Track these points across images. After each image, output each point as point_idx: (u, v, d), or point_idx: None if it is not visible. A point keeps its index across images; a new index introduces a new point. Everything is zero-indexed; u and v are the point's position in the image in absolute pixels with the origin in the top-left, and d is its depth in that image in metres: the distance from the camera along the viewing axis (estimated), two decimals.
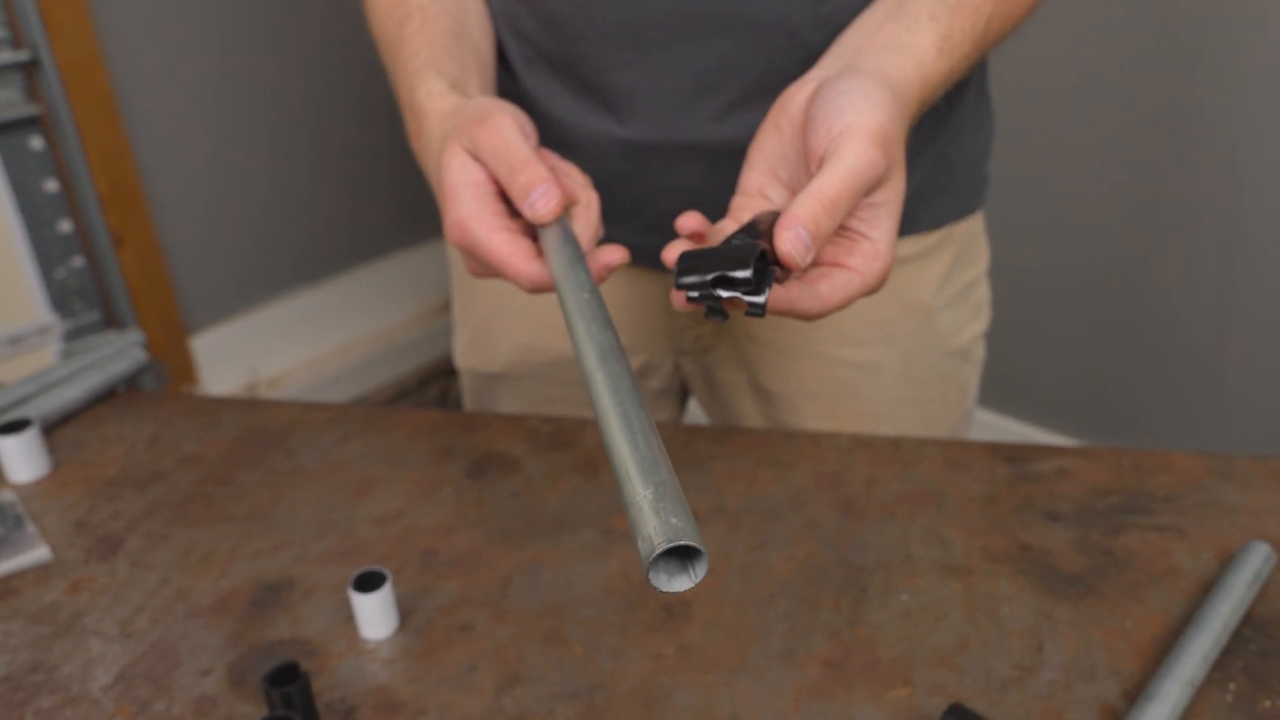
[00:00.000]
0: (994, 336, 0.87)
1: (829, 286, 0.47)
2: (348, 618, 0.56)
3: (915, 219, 0.73)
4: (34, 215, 1.64)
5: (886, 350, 0.76)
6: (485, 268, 0.52)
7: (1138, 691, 0.49)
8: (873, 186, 0.46)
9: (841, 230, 0.48)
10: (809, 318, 0.47)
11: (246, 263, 2.04)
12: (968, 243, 0.77)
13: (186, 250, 1.91)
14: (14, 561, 0.61)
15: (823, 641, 0.53)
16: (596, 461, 0.69)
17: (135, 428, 0.76)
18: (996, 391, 1.81)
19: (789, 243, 0.43)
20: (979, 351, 0.82)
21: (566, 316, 0.44)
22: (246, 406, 0.78)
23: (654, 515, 0.31)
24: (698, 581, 0.32)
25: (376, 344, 2.29)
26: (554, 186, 0.49)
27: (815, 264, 0.48)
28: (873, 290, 0.48)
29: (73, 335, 1.74)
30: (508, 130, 0.51)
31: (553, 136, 0.69)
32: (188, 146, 1.87)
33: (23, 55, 1.55)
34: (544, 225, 0.50)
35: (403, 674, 0.52)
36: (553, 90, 0.69)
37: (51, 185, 1.65)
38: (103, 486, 0.69)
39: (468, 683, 0.52)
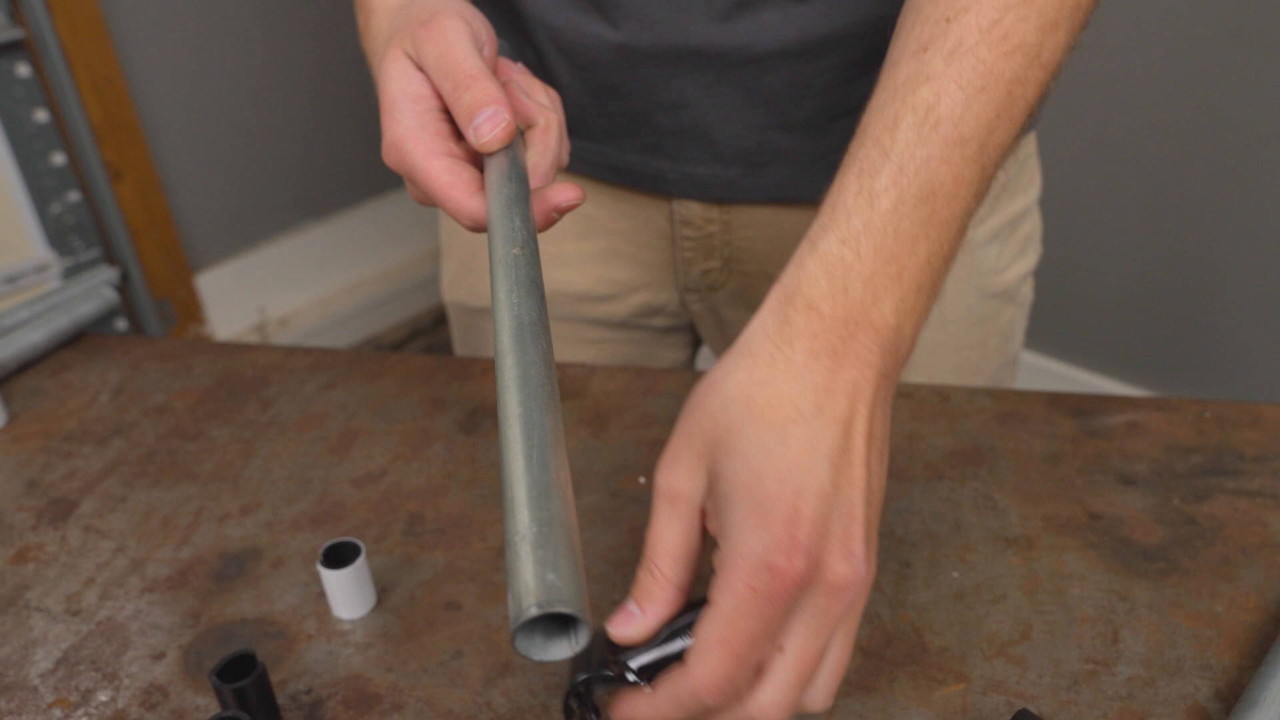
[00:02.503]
0: (1044, 272, 0.78)
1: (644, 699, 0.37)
2: (320, 593, 0.50)
3: None
4: (24, 148, 1.56)
5: None
6: (424, 195, 0.44)
7: (1232, 690, 0.42)
8: None
9: None
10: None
11: (252, 197, 1.96)
12: (1016, 167, 0.68)
13: (188, 184, 1.83)
14: None
15: (861, 626, 0.46)
16: (606, 413, 0.62)
17: (101, 375, 0.69)
18: (1048, 333, 1.70)
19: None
20: (1026, 293, 0.73)
21: (491, 271, 0.36)
22: (222, 351, 0.71)
23: (531, 565, 0.25)
24: (578, 650, 0.26)
25: (388, 281, 2.22)
26: (504, 109, 0.41)
27: None
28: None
29: (72, 273, 1.68)
30: (455, 36, 0.43)
31: (538, 41, 0.60)
32: (185, 74, 1.78)
33: None
34: (489, 154, 0.42)
35: (378, 661, 0.46)
36: None
37: (41, 115, 1.57)
38: (60, 441, 0.62)
39: (452, 671, 0.45)
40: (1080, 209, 1.61)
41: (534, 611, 0.24)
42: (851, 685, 0.43)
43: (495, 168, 0.41)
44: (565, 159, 0.47)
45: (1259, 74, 1.39)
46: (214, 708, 0.44)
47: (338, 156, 2.08)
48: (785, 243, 0.65)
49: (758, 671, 0.35)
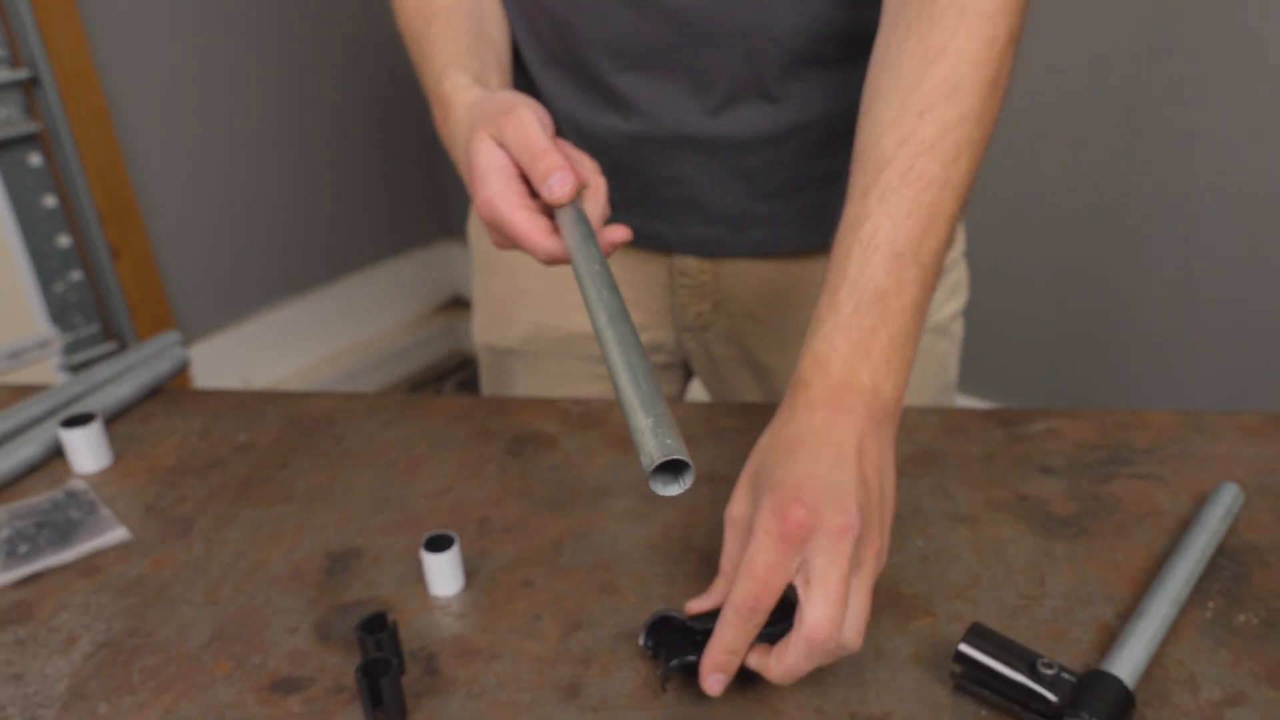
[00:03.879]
0: (973, 324, 0.94)
1: (775, 660, 0.49)
2: (417, 579, 0.61)
3: None
4: (33, 230, 1.66)
5: None
6: (507, 240, 0.60)
7: (1129, 613, 0.56)
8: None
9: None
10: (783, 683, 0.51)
11: (239, 273, 2.07)
12: None
13: (181, 262, 1.94)
14: (95, 542, 0.65)
15: None
16: (627, 438, 0.75)
17: (185, 421, 0.80)
18: (976, 377, 1.90)
19: (709, 685, 0.50)
20: (957, 329, 0.89)
21: (580, 285, 0.51)
22: (287, 399, 0.83)
23: (653, 438, 0.39)
24: (686, 488, 0.40)
25: (366, 351, 2.32)
26: (569, 173, 0.56)
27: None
28: (821, 648, 0.48)
29: (72, 348, 1.76)
30: (529, 121, 0.57)
31: (565, 129, 0.75)
32: (180, 160, 1.90)
33: (22, 73, 1.58)
34: (560, 206, 0.57)
35: (475, 625, 0.58)
36: (564, 88, 0.75)
37: (50, 200, 1.67)
38: (165, 474, 0.73)
39: (534, 630, 0.57)
40: (998, 263, 1.81)
41: (661, 459, 0.38)
42: None
43: (566, 215, 0.56)
44: (609, 211, 0.61)
45: (1144, 153, 1.61)
46: (347, 666, 0.55)
47: (319, 234, 2.20)
48: (764, 288, 0.80)
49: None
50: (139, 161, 1.82)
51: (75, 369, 1.77)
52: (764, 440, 0.53)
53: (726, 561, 0.53)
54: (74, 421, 0.73)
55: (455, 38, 0.69)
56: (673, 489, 0.40)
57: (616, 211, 0.79)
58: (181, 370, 0.88)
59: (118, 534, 0.66)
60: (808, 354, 0.53)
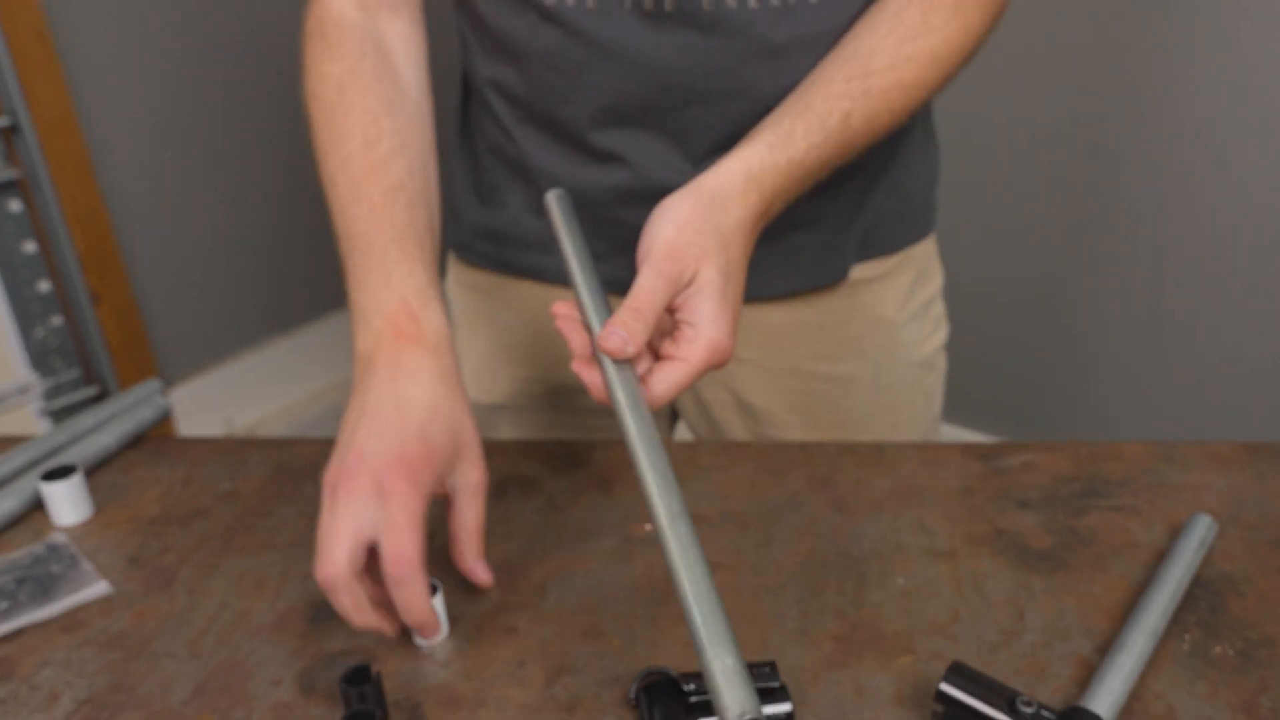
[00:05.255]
0: (951, 355, 0.96)
1: (655, 379, 0.54)
2: (402, 628, 0.61)
3: (877, 243, 0.81)
4: (13, 276, 1.66)
5: (858, 363, 0.84)
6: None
7: (1108, 646, 0.56)
8: (676, 287, 0.54)
9: (675, 324, 0.56)
10: (656, 406, 0.54)
11: (220, 314, 2.07)
12: (924, 262, 0.86)
13: (162, 305, 1.94)
14: (77, 596, 0.65)
15: (832, 621, 0.60)
16: (610, 476, 0.75)
17: (169, 470, 0.80)
18: (957, 407, 1.91)
19: (606, 340, 0.52)
20: (941, 362, 0.90)
21: (639, 467, 0.50)
22: (271, 446, 0.83)
23: (743, 687, 0.41)
24: None
25: (349, 389, 2.32)
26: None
27: (657, 358, 0.56)
28: (710, 364, 0.54)
29: (52, 393, 1.75)
30: (403, 539, 0.55)
31: (544, 184, 0.76)
32: (161, 205, 1.91)
33: (2, 121, 1.59)
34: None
35: (459, 672, 0.58)
36: (543, 145, 0.76)
37: (30, 246, 1.67)
38: (147, 524, 0.73)
39: (519, 676, 0.57)
40: (972, 294, 1.84)
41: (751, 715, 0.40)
42: (830, 664, 0.57)
43: (617, 374, 0.54)
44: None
45: (1116, 184, 1.64)
46: (332, 718, 0.55)
47: (299, 274, 2.20)
48: (751, 333, 0.81)
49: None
50: (120, 207, 1.82)
51: (56, 414, 1.76)
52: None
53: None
54: (55, 474, 0.73)
55: (406, 231, 0.65)
56: None
57: (600, 262, 0.80)
58: (164, 419, 0.88)
59: (99, 588, 0.66)
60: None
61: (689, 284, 0.55)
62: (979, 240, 1.80)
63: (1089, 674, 0.54)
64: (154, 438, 0.85)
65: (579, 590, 0.64)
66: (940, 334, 0.88)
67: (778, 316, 0.81)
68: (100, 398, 1.82)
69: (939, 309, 0.88)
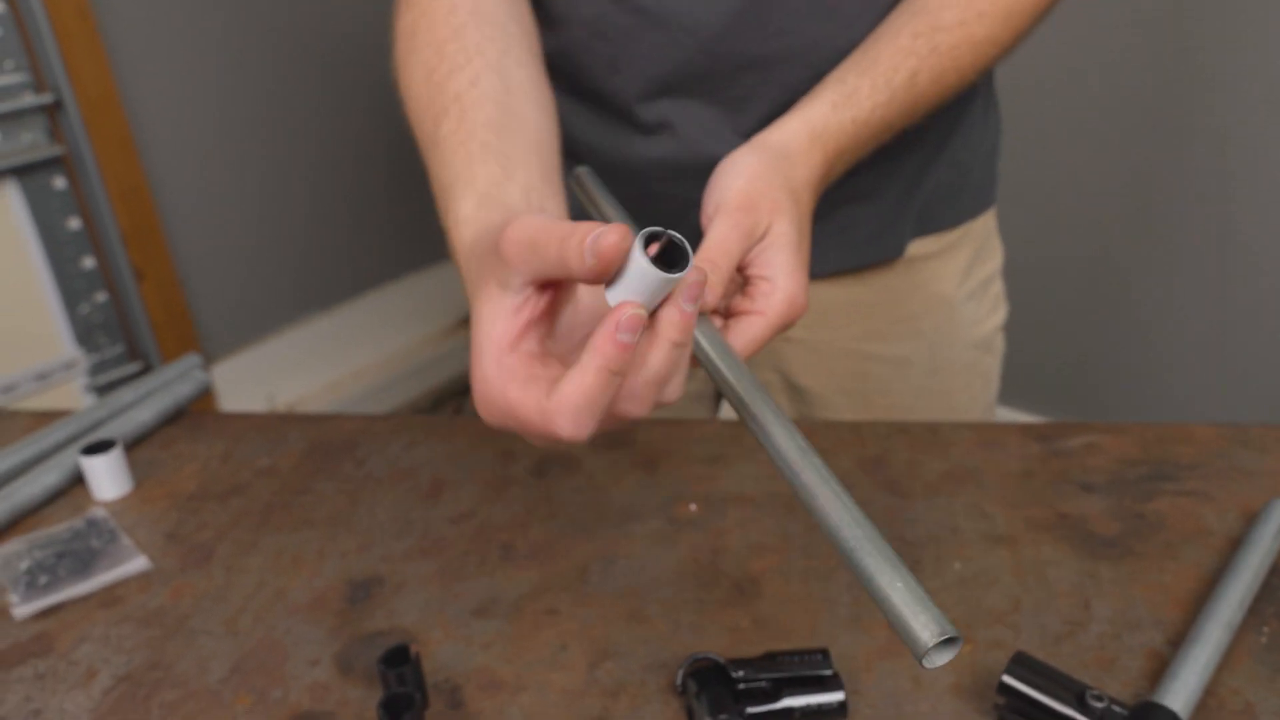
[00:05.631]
0: (1006, 333, 0.92)
1: (731, 336, 0.50)
2: (440, 608, 0.60)
3: (936, 218, 0.77)
4: (58, 253, 1.67)
5: (914, 344, 0.80)
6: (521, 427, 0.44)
7: (1181, 638, 0.53)
8: (750, 240, 0.50)
9: (747, 280, 0.52)
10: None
11: (263, 291, 2.08)
12: (984, 238, 0.82)
13: (205, 282, 1.95)
14: (116, 572, 0.64)
15: None
16: (654, 456, 0.73)
17: (207, 445, 0.80)
18: (1013, 388, 1.86)
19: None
20: (999, 343, 0.86)
21: (755, 414, 0.43)
22: (310, 421, 0.82)
23: (925, 609, 0.35)
24: (957, 652, 0.36)
25: (390, 366, 2.32)
26: (608, 228, 0.38)
27: (728, 315, 0.52)
28: (787, 320, 0.50)
29: (97, 369, 1.77)
30: (530, 223, 0.42)
31: (586, 159, 0.74)
32: (204, 181, 1.91)
33: (46, 98, 1.59)
34: (608, 265, 0.39)
35: (500, 655, 0.56)
36: (585, 118, 0.73)
37: (74, 223, 1.68)
38: (185, 500, 0.73)
39: (561, 660, 0.55)
40: (1032, 271, 1.78)
41: (940, 635, 0.34)
42: (884, 652, 0.54)
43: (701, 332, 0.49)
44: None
45: (1179, 155, 1.58)
46: (370, 699, 0.54)
47: (342, 250, 2.20)
48: None
49: None
50: (163, 184, 1.83)
51: (100, 390, 1.78)
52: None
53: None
54: (95, 448, 0.73)
55: (468, 136, 0.55)
56: (944, 657, 0.35)
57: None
58: (204, 394, 0.87)
59: (138, 563, 0.65)
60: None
61: (762, 238, 0.51)
62: (1037, 213, 1.74)
63: (1161, 667, 0.51)
64: (193, 413, 0.85)
65: (622, 573, 0.62)
66: (999, 314, 0.84)
67: (830, 294, 0.79)
68: (144, 373, 1.83)
69: (998, 288, 0.84)
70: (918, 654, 0.34)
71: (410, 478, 0.73)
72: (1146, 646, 0.53)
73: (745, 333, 0.50)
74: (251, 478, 0.75)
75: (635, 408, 0.42)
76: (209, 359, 1.99)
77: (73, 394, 1.76)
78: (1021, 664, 0.48)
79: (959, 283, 0.79)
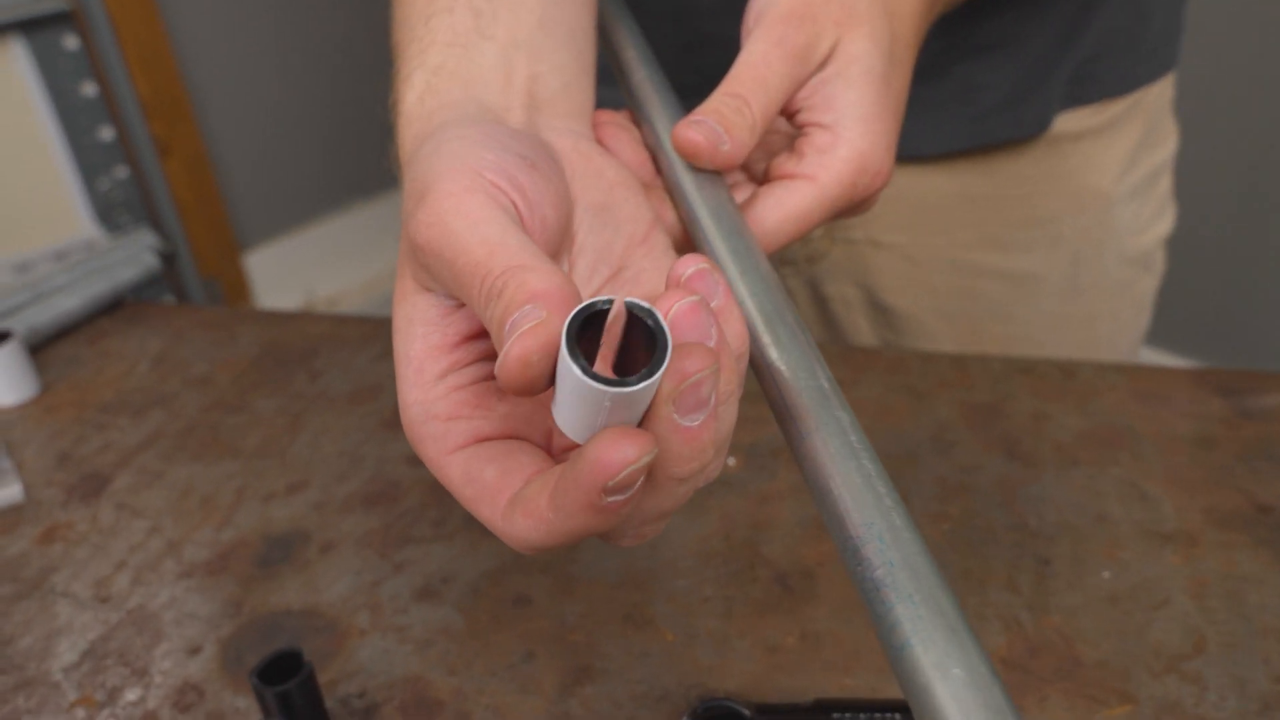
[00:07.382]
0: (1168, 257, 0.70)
1: (761, 205, 0.32)
2: (374, 584, 0.44)
3: (1099, 81, 0.56)
4: (72, 122, 1.54)
5: (1050, 255, 0.60)
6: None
7: None
8: (802, 67, 0.33)
9: (799, 130, 0.34)
10: (766, 250, 0.32)
11: (302, 175, 1.93)
12: (1158, 115, 0.61)
13: (238, 161, 1.80)
14: None
15: (997, 633, 0.39)
16: None
17: (140, 344, 0.65)
18: (1169, 326, 1.61)
19: (685, 132, 0.32)
20: (1159, 261, 0.66)
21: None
22: (268, 319, 0.66)
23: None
24: None
25: None
26: (545, 302, 0.23)
27: (765, 180, 0.34)
28: (853, 193, 0.33)
29: None
30: (461, 222, 0.27)
31: (627, 5, 0.54)
32: (236, 48, 1.75)
33: None
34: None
35: (439, 661, 0.40)
36: None
37: (89, 89, 1.54)
38: (95, 413, 0.58)
39: (522, 676, 0.39)
40: (1200, 180, 1.51)
41: None
42: None
43: (697, 188, 0.33)
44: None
45: None
46: (254, 711, 0.39)
47: (387, 135, 2.04)
48: (896, 205, 0.58)
49: None
50: (189, 48, 1.67)
51: None
52: None
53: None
54: None
55: None
56: None
57: (696, 99, 0.58)
58: (152, 280, 0.72)
59: (9, 493, 0.51)
60: None
61: (823, 64, 0.33)
62: (1207, 102, 1.45)
63: None
64: (134, 304, 0.70)
65: (623, 550, 0.45)
66: (1166, 220, 0.63)
67: (933, 184, 0.58)
68: (170, 259, 1.71)
69: (1167, 184, 0.63)
70: None
71: (371, 399, 0.57)
72: None
73: (780, 205, 0.32)
74: (180, 388, 0.60)
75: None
76: (243, 245, 1.86)
77: None
78: None
79: (1120, 174, 0.58)
